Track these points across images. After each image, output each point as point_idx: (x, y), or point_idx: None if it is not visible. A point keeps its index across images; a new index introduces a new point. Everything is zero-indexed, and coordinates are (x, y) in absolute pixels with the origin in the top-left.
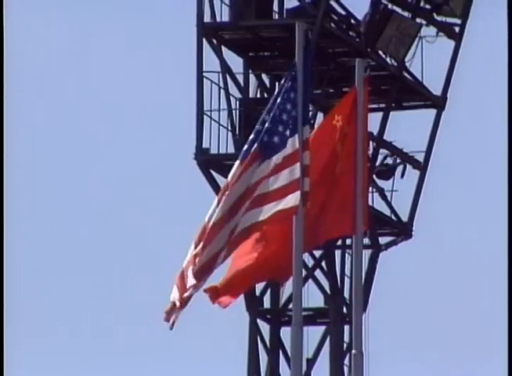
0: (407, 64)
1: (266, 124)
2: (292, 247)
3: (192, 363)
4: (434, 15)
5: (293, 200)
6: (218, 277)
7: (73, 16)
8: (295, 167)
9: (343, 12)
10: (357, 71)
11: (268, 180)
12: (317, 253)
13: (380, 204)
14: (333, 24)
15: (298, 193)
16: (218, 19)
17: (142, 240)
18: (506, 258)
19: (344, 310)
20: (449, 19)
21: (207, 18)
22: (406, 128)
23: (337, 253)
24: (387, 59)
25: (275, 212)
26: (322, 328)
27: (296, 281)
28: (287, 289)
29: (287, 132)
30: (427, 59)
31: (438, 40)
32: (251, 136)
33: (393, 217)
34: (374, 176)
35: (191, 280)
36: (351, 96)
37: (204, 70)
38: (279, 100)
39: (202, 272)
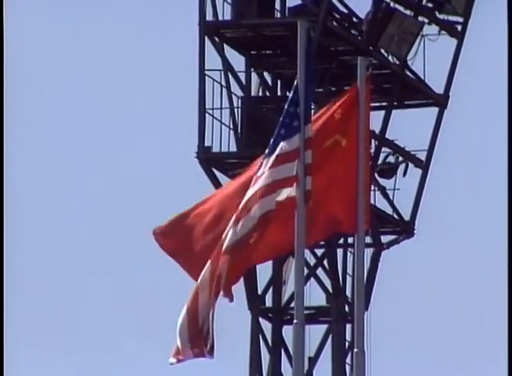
0: (409, 63)
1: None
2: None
3: (194, 362)
4: (436, 13)
5: (288, 191)
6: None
7: (74, 15)
8: (293, 164)
9: (345, 11)
10: (359, 70)
11: (262, 176)
12: (319, 252)
13: (382, 203)
14: (335, 23)
15: (294, 187)
16: (220, 18)
17: (144, 239)
18: (506, 257)
19: (346, 309)
20: (451, 18)
21: (209, 16)
22: (408, 126)
23: (339, 252)
24: (390, 58)
25: (273, 203)
26: (324, 327)
27: (298, 280)
28: (289, 288)
29: (282, 131)
30: (429, 57)
31: (440, 38)
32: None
33: (395, 215)
34: (376, 175)
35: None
36: (351, 94)
37: (206, 68)
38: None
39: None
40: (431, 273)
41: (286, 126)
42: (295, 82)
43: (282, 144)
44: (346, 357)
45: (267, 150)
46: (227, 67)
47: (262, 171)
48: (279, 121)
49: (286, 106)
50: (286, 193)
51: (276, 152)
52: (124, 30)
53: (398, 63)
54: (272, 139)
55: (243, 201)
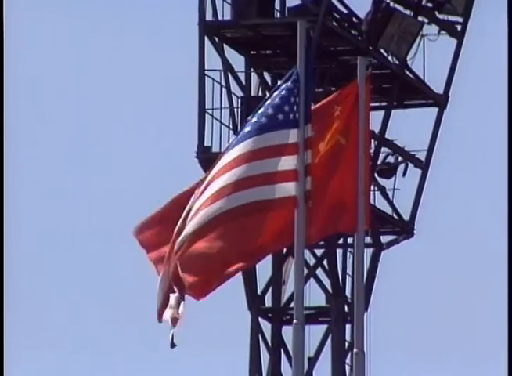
0: (409, 62)
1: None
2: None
3: (194, 362)
4: (436, 13)
5: (290, 189)
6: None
7: (74, 15)
8: (292, 157)
9: (345, 11)
10: (359, 70)
11: (260, 162)
12: (319, 252)
13: (381, 203)
14: (334, 23)
15: (294, 184)
16: (220, 18)
17: None
18: (506, 257)
19: (346, 309)
20: (451, 18)
21: (208, 16)
22: (408, 126)
23: (339, 252)
24: (389, 58)
25: (279, 198)
26: (324, 327)
27: (297, 280)
28: (289, 288)
29: (280, 116)
30: (429, 57)
31: (440, 38)
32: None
33: (395, 216)
34: (376, 175)
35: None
36: (352, 92)
37: (206, 68)
38: (277, 93)
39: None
40: (431, 273)
41: (269, 117)
42: (287, 74)
43: (267, 135)
44: (346, 357)
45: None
46: (227, 67)
47: (240, 159)
48: (262, 111)
49: (275, 100)
50: (287, 191)
51: (263, 144)
52: (124, 31)
53: (397, 63)
54: (247, 126)
55: (219, 187)
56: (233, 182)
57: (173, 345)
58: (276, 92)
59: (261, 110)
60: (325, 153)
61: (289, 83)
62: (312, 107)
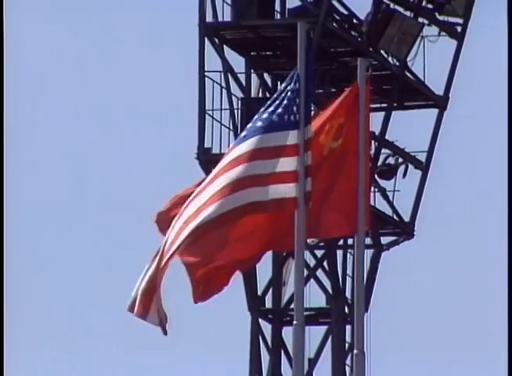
0: (409, 64)
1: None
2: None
3: (195, 363)
4: (436, 14)
5: (291, 190)
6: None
7: (74, 15)
8: (293, 159)
9: (345, 12)
10: (359, 71)
11: (260, 162)
12: (319, 253)
13: (382, 204)
14: (335, 24)
15: (294, 184)
16: (220, 19)
17: (143, 241)
18: (506, 258)
19: (346, 310)
20: (451, 19)
21: (209, 17)
22: (408, 127)
23: (339, 253)
24: (389, 59)
25: (272, 199)
26: (324, 328)
27: (298, 281)
28: (289, 289)
29: (286, 117)
30: (429, 58)
31: (440, 39)
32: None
33: (395, 217)
34: (376, 176)
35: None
36: (351, 94)
37: (206, 69)
38: (283, 94)
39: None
40: (431, 275)
41: (279, 116)
42: (290, 74)
43: (271, 135)
44: (346, 358)
45: (245, 134)
46: (227, 68)
47: (243, 158)
48: (273, 109)
49: (281, 100)
50: (287, 192)
51: (265, 144)
52: (124, 31)
53: (397, 64)
54: (255, 123)
55: (220, 187)
56: (231, 182)
57: (165, 332)
58: (283, 94)
59: (271, 108)
60: (318, 155)
61: (291, 84)
62: (319, 111)
